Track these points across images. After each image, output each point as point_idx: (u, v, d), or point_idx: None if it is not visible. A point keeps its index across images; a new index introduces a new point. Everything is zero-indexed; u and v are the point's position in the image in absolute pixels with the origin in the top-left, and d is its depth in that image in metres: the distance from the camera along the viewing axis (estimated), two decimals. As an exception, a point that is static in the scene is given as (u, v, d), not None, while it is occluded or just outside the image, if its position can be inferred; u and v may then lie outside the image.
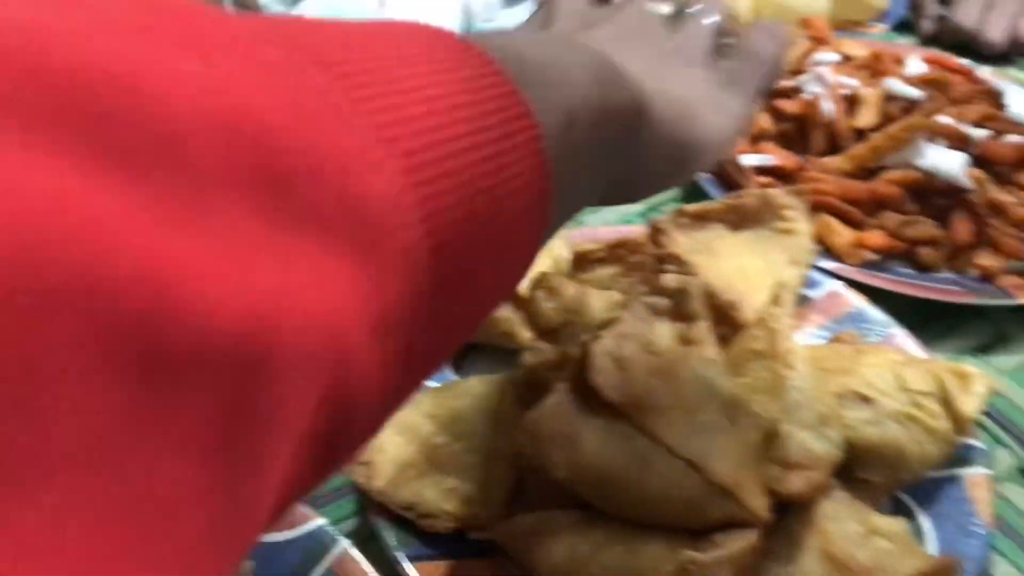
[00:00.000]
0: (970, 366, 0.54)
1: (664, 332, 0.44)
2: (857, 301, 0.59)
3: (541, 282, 0.49)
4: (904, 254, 0.64)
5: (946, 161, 0.64)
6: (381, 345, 0.19)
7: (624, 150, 0.32)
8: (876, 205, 0.65)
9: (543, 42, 0.30)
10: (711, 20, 0.39)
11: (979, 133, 0.68)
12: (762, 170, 0.68)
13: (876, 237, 0.63)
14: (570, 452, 0.42)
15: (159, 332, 0.14)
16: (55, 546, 0.13)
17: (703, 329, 0.45)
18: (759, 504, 0.43)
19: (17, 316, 0.13)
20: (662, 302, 0.45)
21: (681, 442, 0.42)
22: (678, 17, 0.39)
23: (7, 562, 0.12)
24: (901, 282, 0.61)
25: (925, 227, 0.64)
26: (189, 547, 0.15)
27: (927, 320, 0.62)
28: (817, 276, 0.60)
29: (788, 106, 0.71)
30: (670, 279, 0.45)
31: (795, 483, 0.44)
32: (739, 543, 0.39)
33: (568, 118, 0.27)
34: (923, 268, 0.64)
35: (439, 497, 0.48)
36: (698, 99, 0.36)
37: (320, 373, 0.17)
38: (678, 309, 0.45)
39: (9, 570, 0.12)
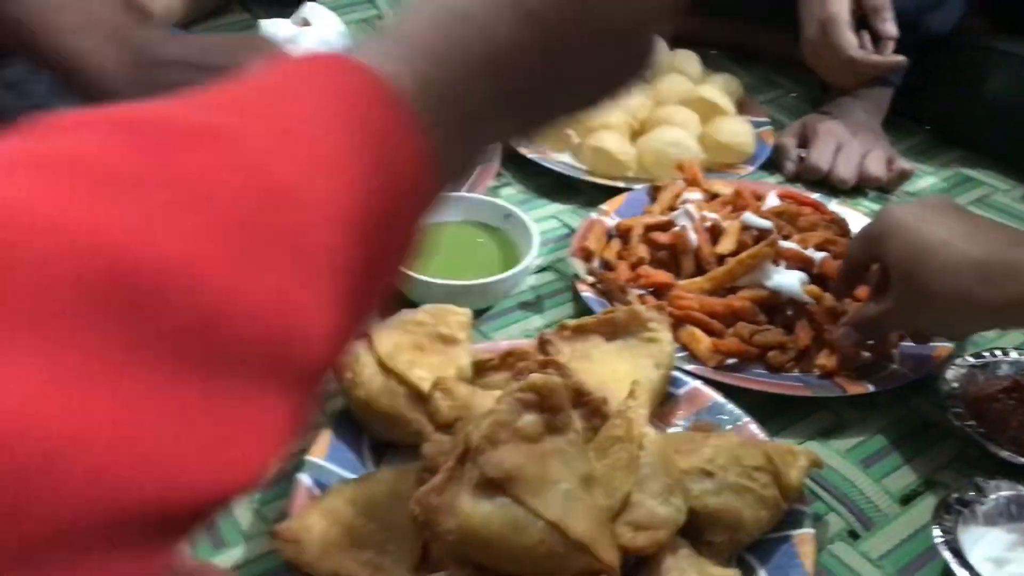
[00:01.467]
0: (803, 447, 0.65)
1: (531, 420, 0.55)
2: (715, 396, 0.71)
3: (438, 385, 0.60)
4: (758, 357, 0.76)
5: (787, 280, 0.77)
6: None
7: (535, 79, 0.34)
8: (732, 317, 0.77)
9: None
10: None
11: (819, 255, 0.82)
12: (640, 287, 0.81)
13: (730, 343, 0.75)
14: (455, 519, 0.52)
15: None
16: None
17: (566, 418, 0.56)
18: (611, 556, 0.53)
19: None
20: (530, 396, 0.56)
21: (546, 507, 0.52)
22: None
23: None
24: (751, 380, 0.73)
25: (772, 335, 0.76)
26: None
27: (778, 412, 0.73)
28: (682, 377, 0.72)
29: (662, 237, 0.84)
30: (537, 377, 0.56)
31: (641, 540, 0.55)
32: (588, 584, 0.49)
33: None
34: (773, 369, 0.76)
35: (357, 568, 0.57)
36: None
37: None
38: (543, 402, 0.56)
39: None
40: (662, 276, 0.80)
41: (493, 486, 0.53)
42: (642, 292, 0.81)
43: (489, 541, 0.52)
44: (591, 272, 0.83)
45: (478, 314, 0.81)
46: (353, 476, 0.64)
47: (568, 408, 0.57)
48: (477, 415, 0.59)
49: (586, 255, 0.85)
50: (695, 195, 0.88)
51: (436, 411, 0.60)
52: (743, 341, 0.76)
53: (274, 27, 0.99)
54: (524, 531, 0.52)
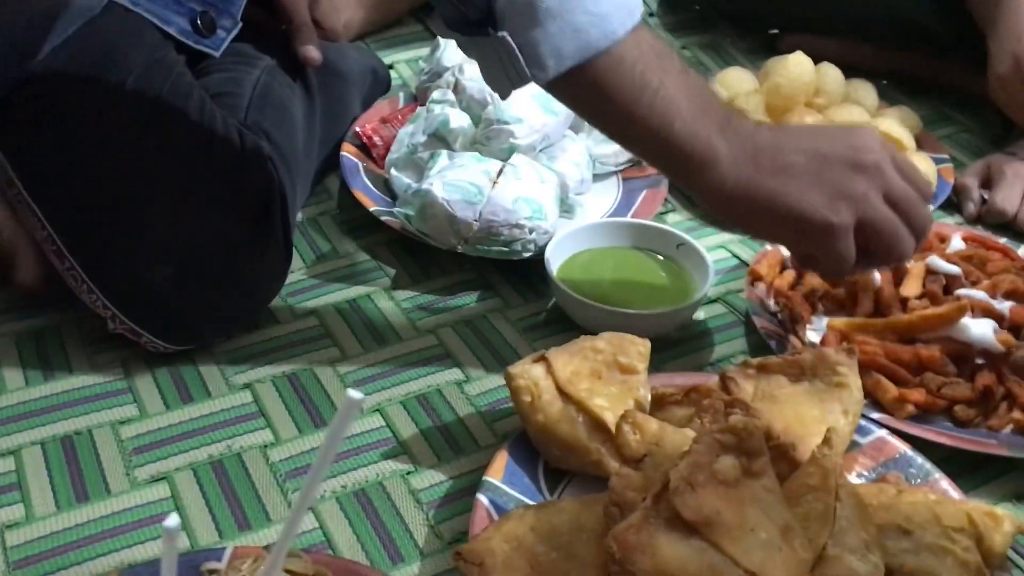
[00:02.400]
0: (1004, 511, 0.62)
1: (729, 463, 0.54)
2: (903, 448, 0.68)
3: (627, 418, 0.60)
4: (944, 410, 0.72)
5: (980, 330, 0.73)
6: None
7: None
8: (919, 367, 0.74)
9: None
10: None
11: (1006, 305, 0.77)
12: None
13: (918, 394, 0.71)
14: (652, 559, 0.51)
15: None
16: None
17: (764, 463, 0.55)
18: (810, 612, 0.51)
19: None
20: (729, 438, 0.54)
21: (744, 555, 0.51)
22: None
23: None
24: (943, 433, 0.70)
25: (962, 388, 0.72)
26: None
27: (965, 469, 0.70)
28: (866, 425, 0.69)
29: (843, 276, 0.81)
30: (737, 419, 0.54)
31: (841, 597, 0.52)
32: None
33: None
34: (960, 423, 0.72)
35: (539, 597, 0.57)
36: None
37: None
38: (742, 445, 0.54)
39: None
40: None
41: (688, 528, 0.51)
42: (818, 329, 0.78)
43: (685, 585, 0.51)
44: (770, 298, 0.81)
45: (648, 343, 0.80)
46: (528, 501, 0.64)
47: (766, 453, 0.55)
48: (668, 451, 0.58)
49: (755, 278, 0.83)
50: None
51: (625, 444, 0.59)
52: (930, 393, 0.72)
53: (451, 46, 1.00)
54: (722, 577, 0.50)
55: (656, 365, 0.79)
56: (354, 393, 0.43)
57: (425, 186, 0.84)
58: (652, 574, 0.51)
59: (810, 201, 0.66)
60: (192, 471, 0.68)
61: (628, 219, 0.91)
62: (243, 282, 0.75)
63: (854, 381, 0.68)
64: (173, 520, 0.39)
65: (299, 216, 0.94)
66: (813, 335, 0.79)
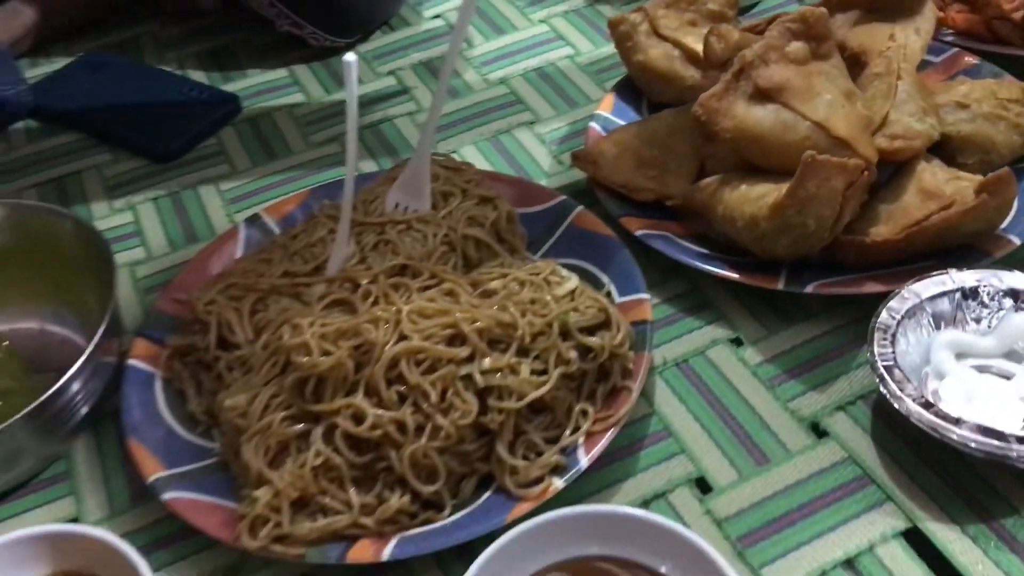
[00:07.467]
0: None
1: (799, 46, 0.63)
2: (974, 60, 0.75)
3: (712, 31, 0.69)
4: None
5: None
6: None
7: None
8: None
9: None
10: None
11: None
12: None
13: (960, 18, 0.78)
14: (732, 120, 0.62)
15: None
16: None
17: (830, 47, 0.64)
18: (869, 151, 0.61)
19: None
20: (799, 26, 0.63)
21: (812, 111, 0.61)
22: None
23: None
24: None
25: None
26: None
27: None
28: (941, 45, 0.76)
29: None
30: (807, 8, 0.63)
31: (898, 145, 0.62)
32: (852, 161, 0.58)
33: None
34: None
35: (643, 180, 0.69)
36: None
37: None
38: (810, 31, 0.63)
39: None
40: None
41: (764, 96, 0.62)
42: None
43: (761, 138, 0.61)
44: None
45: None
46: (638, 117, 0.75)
47: (832, 38, 0.64)
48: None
49: None
50: None
51: (711, 52, 0.69)
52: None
53: None
54: (792, 130, 0.61)
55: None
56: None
57: None
58: (732, 132, 0.62)
59: None
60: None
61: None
62: None
63: (928, 5, 0.75)
64: (351, 56, 0.53)
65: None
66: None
